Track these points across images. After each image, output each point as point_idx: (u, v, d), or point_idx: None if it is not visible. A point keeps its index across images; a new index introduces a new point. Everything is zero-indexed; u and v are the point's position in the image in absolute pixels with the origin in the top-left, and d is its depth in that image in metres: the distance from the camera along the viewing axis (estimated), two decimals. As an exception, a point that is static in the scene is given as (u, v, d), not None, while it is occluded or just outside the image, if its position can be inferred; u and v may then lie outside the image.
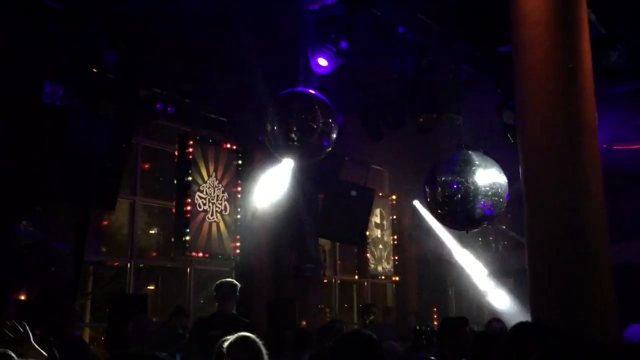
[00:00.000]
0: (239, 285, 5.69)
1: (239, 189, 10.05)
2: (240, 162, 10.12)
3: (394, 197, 13.31)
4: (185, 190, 9.22)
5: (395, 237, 13.16)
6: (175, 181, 9.38)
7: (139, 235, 9.43)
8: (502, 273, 13.99)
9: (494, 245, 13.73)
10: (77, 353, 4.56)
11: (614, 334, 4.65)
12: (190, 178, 9.31)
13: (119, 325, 7.18)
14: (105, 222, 9.43)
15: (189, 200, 9.23)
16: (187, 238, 9.13)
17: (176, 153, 9.40)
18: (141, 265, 9.56)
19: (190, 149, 9.36)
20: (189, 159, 9.32)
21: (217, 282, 5.81)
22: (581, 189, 4.87)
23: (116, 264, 9.50)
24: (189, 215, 9.17)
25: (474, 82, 8.19)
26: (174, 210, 9.28)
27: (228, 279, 6.00)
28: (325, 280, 11.74)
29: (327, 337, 4.97)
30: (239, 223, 9.91)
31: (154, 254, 9.96)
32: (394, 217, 13.26)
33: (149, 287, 10.40)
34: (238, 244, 9.86)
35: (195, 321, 6.20)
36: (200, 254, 9.37)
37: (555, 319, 4.72)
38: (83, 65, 7.20)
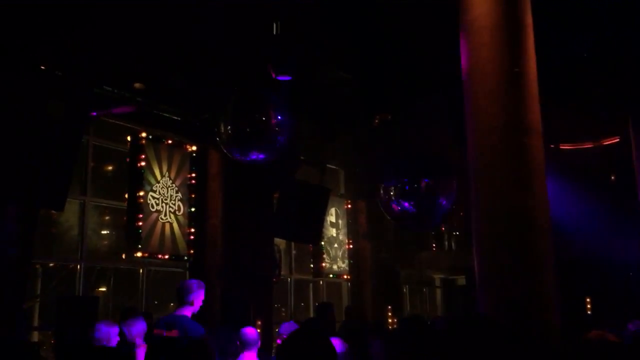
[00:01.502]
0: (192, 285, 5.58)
1: (193, 188, 9.96)
2: (194, 162, 10.03)
3: (349, 196, 13.41)
4: (137, 190, 9.07)
5: (351, 236, 13.27)
6: (127, 181, 9.23)
7: (89, 236, 9.25)
8: (455, 270, 14.29)
9: (447, 243, 14.00)
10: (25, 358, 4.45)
11: (555, 329, 4.82)
12: (142, 178, 9.18)
13: (68, 328, 7.04)
14: (55, 223, 9.22)
15: (142, 200, 9.09)
16: (140, 239, 9.00)
17: (128, 152, 9.25)
18: (92, 267, 9.38)
19: (143, 149, 9.22)
20: (141, 159, 9.18)
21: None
22: (526, 190, 5.02)
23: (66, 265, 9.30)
24: (141, 215, 9.03)
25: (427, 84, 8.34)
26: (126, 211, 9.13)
27: (187, 280, 5.93)
28: (281, 279, 11.75)
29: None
30: (192, 223, 9.82)
31: (106, 255, 9.78)
32: (349, 216, 13.36)
33: (100, 289, 10.21)
34: (192, 245, 9.78)
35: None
36: (154, 255, 9.25)
37: (500, 314, 4.87)
38: (33, 61, 7.02)
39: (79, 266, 8.89)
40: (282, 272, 11.72)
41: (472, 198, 5.23)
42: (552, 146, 10.72)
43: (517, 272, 4.91)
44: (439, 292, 16.26)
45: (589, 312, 11.70)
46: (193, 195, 9.92)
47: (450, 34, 5.65)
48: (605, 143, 11.38)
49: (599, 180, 12.17)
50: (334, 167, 13.23)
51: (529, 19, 5.31)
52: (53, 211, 8.47)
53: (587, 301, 11.89)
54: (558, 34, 7.26)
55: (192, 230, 9.82)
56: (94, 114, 8.33)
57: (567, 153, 11.27)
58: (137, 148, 9.19)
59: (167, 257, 9.45)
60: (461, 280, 15.04)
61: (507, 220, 4.98)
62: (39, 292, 9.32)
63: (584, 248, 11.10)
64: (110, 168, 9.95)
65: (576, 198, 10.94)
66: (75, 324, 7.05)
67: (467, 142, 5.31)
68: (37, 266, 8.86)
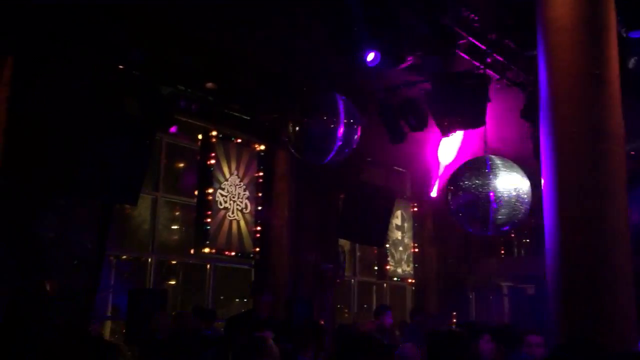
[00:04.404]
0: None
1: (260, 187, 10.09)
2: (261, 161, 10.16)
3: (415, 199, 13.23)
4: (206, 188, 9.29)
5: (416, 239, 13.08)
6: (197, 178, 9.46)
7: (160, 230, 9.52)
8: (524, 278, 13.83)
9: (516, 250, 13.58)
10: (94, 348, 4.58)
11: (632, 343, 4.57)
12: (212, 176, 9.38)
13: (138, 319, 7.28)
14: (128, 217, 9.54)
15: (210, 197, 9.29)
16: (208, 235, 9.20)
17: (199, 150, 9.48)
18: (162, 260, 9.65)
19: (213, 147, 9.42)
20: (211, 156, 9.39)
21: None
22: (603, 197, 4.78)
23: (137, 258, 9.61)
24: (209, 212, 9.24)
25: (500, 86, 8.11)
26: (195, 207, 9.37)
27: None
28: (345, 281, 11.72)
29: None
30: (259, 221, 9.95)
31: (175, 250, 10.04)
32: (415, 219, 13.18)
33: (169, 282, 10.49)
34: (258, 242, 9.90)
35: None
36: (221, 251, 9.44)
37: (574, 327, 4.67)
38: (108, 61, 7.29)
39: (150, 259, 9.18)
40: (346, 274, 11.70)
41: (546, 204, 5.03)
42: (632, 153, 10.20)
43: (592, 282, 4.69)
44: (506, 300, 15.77)
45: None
46: (260, 194, 10.05)
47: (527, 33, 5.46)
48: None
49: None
50: (401, 169, 13.08)
51: (611, 20, 5.07)
52: (127, 206, 8.76)
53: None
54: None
55: (259, 228, 9.95)
56: (174, 129, 8.68)
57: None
58: (207, 146, 9.41)
59: (233, 253, 9.62)
60: (530, 289, 14.53)
61: (581, 227, 4.77)
62: (112, 283, 9.66)
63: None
64: (181, 165, 10.21)
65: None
66: (145, 315, 7.27)
67: (540, 146, 5.12)
68: (111, 257, 9.18)
